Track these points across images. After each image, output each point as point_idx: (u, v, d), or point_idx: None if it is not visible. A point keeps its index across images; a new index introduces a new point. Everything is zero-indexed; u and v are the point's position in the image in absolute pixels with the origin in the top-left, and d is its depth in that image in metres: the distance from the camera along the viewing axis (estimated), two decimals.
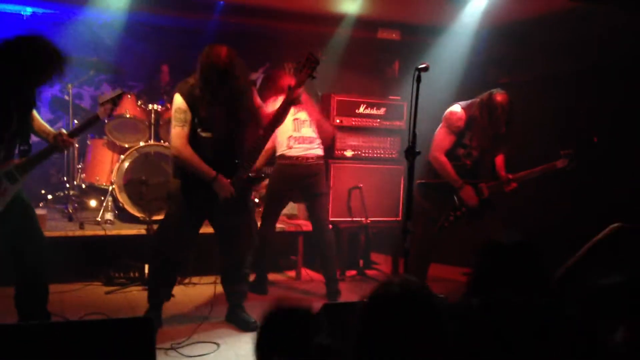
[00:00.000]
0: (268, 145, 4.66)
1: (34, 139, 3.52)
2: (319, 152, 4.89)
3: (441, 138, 4.43)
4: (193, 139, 3.69)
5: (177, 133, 3.67)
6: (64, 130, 3.55)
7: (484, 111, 4.28)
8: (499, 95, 4.27)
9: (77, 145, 5.77)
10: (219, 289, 4.08)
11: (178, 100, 3.69)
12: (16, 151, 3.39)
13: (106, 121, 5.59)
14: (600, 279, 2.13)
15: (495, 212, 4.48)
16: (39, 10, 6.13)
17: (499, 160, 4.58)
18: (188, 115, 3.66)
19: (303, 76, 3.79)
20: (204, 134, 3.69)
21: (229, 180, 3.70)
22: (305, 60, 3.78)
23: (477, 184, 4.41)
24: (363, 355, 1.57)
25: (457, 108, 4.42)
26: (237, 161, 3.77)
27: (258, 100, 3.98)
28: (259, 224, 4.68)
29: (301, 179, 4.80)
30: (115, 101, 3.76)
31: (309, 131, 4.85)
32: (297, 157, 4.77)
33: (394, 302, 1.59)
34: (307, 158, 4.80)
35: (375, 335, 1.57)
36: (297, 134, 4.82)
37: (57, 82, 3.40)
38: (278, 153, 4.84)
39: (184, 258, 4.03)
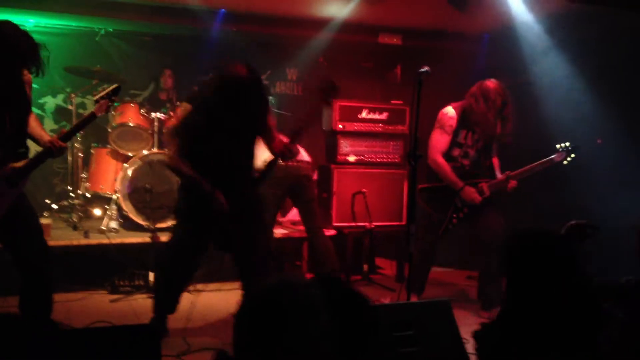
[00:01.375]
0: None
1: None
2: (307, 157, 5.00)
3: (437, 139, 4.48)
4: (194, 151, 3.57)
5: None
6: (55, 136, 3.46)
7: (479, 99, 4.35)
8: (490, 82, 4.39)
9: (81, 155, 5.79)
10: (223, 295, 4.08)
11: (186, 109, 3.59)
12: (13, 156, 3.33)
13: (109, 130, 5.61)
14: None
15: (495, 209, 4.48)
16: (42, 21, 6.17)
17: (495, 162, 4.62)
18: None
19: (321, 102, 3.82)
20: (211, 147, 3.56)
21: (221, 196, 3.56)
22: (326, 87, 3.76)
23: (477, 183, 4.42)
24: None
25: (448, 108, 4.51)
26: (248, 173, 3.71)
27: (271, 118, 3.88)
28: None
29: (292, 180, 4.82)
30: (111, 96, 3.61)
31: None
32: (295, 163, 4.81)
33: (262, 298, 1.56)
34: (297, 160, 4.84)
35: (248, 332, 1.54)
36: None
37: (37, 69, 3.22)
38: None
39: (190, 276, 3.95)
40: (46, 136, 3.48)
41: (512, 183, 4.42)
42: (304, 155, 5.05)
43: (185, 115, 3.58)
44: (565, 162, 4.38)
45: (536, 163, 4.41)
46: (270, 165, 3.78)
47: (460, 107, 4.46)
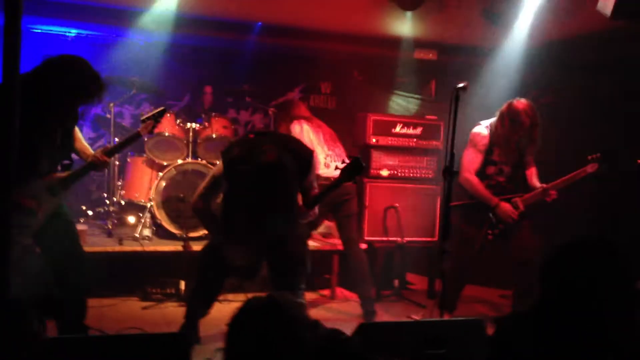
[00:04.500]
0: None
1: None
2: None
3: (469, 159, 4.46)
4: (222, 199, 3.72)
5: (199, 191, 3.69)
6: (99, 151, 3.60)
7: (505, 120, 4.33)
8: (519, 103, 4.32)
9: (117, 163, 5.88)
10: None
11: (218, 165, 3.68)
12: (59, 166, 3.48)
13: (145, 139, 5.70)
14: None
15: (531, 226, 4.41)
16: (83, 32, 6.32)
17: (530, 172, 4.55)
18: (221, 183, 3.64)
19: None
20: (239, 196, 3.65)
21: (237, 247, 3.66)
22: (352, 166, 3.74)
23: (511, 199, 4.38)
24: None
25: (480, 127, 4.49)
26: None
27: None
28: None
29: (333, 199, 4.69)
30: (157, 118, 3.80)
31: (339, 150, 4.95)
32: (331, 178, 4.69)
33: (253, 314, 1.71)
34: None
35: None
36: (331, 152, 4.87)
37: (95, 104, 3.41)
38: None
39: (223, 283, 3.99)
40: (88, 150, 3.63)
41: (552, 194, 4.37)
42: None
43: (216, 171, 3.67)
44: (598, 174, 4.28)
45: (570, 175, 4.35)
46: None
47: (491, 126, 4.45)
